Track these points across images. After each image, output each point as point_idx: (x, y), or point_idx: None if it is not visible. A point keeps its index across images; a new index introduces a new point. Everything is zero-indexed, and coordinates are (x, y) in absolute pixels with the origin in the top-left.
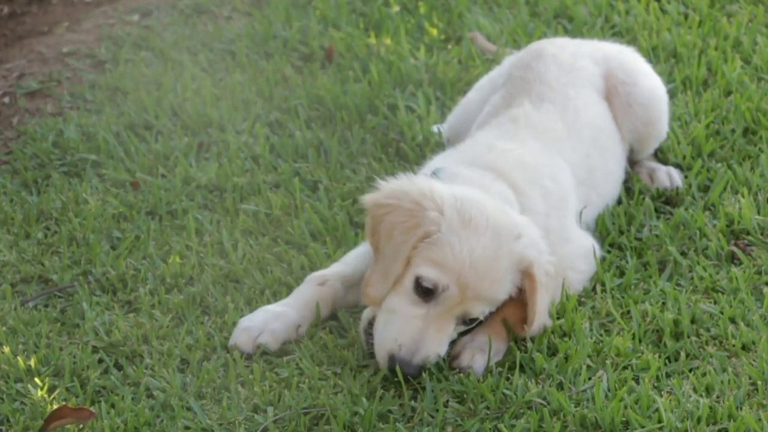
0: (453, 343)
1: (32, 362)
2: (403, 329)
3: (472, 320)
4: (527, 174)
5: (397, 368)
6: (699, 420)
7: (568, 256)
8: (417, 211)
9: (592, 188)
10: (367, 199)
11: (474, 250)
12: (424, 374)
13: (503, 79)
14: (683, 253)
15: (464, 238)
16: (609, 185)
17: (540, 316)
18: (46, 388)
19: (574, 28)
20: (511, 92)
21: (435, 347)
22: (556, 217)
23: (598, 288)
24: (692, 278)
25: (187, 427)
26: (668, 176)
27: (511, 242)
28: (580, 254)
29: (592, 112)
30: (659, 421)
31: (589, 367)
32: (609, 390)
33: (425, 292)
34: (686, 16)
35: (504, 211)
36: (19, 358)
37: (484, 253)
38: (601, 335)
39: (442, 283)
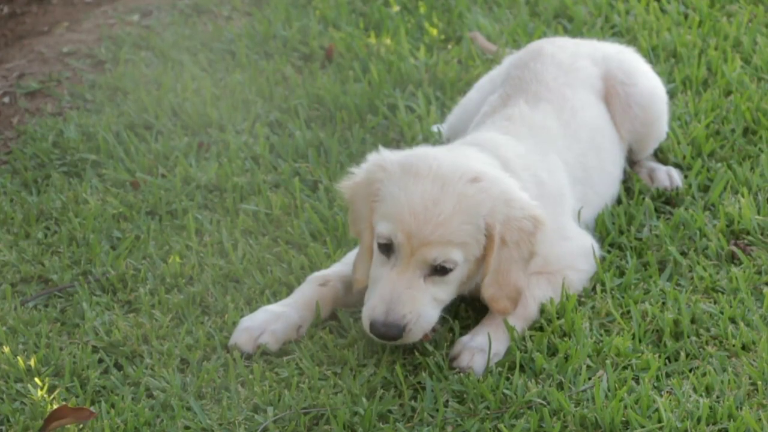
0: (452, 343)
1: (32, 362)
2: (377, 292)
3: (443, 268)
4: (521, 160)
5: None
6: (699, 420)
7: (566, 255)
8: (367, 179)
9: (590, 187)
10: (341, 187)
11: (412, 196)
12: (424, 373)
13: (502, 78)
14: (683, 253)
15: (402, 186)
16: (607, 185)
17: (503, 276)
18: (46, 388)
19: (574, 28)
20: (508, 92)
21: (410, 305)
22: (552, 214)
23: (598, 288)
24: (692, 278)
25: (187, 427)
26: (668, 176)
27: (461, 185)
28: (579, 252)
29: (589, 113)
30: (659, 421)
31: (589, 367)
32: (609, 390)
33: (386, 249)
34: (686, 16)
35: (460, 160)
36: (19, 358)
37: (423, 197)
38: (601, 335)
39: (391, 234)
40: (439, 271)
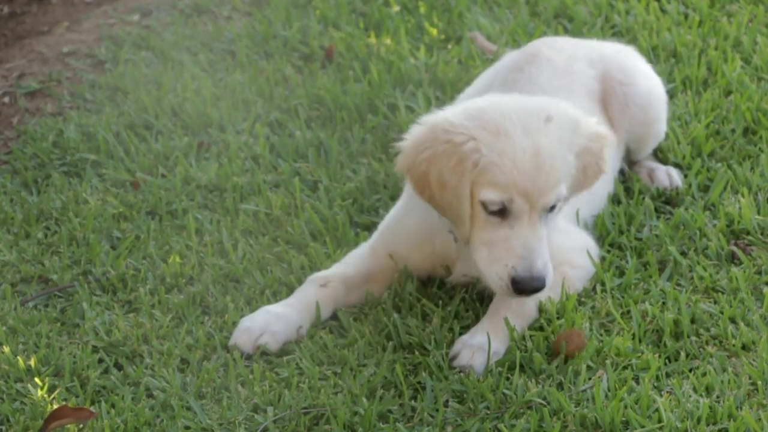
0: (452, 342)
1: (32, 362)
2: (507, 252)
3: (553, 207)
4: None
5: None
6: (699, 420)
7: (563, 250)
8: (453, 148)
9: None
10: (400, 163)
11: (514, 156)
12: (424, 373)
13: (499, 81)
14: (683, 253)
15: (501, 150)
16: (601, 184)
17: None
18: (46, 388)
19: (574, 28)
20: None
21: (545, 256)
22: None
23: (598, 288)
24: (692, 278)
25: (187, 427)
26: (668, 176)
27: (544, 128)
28: (575, 248)
29: None
30: (659, 421)
31: (589, 367)
32: (609, 390)
33: (500, 213)
34: (686, 16)
35: (523, 102)
36: (19, 358)
37: (524, 153)
38: (601, 335)
39: (505, 200)
40: (551, 209)
